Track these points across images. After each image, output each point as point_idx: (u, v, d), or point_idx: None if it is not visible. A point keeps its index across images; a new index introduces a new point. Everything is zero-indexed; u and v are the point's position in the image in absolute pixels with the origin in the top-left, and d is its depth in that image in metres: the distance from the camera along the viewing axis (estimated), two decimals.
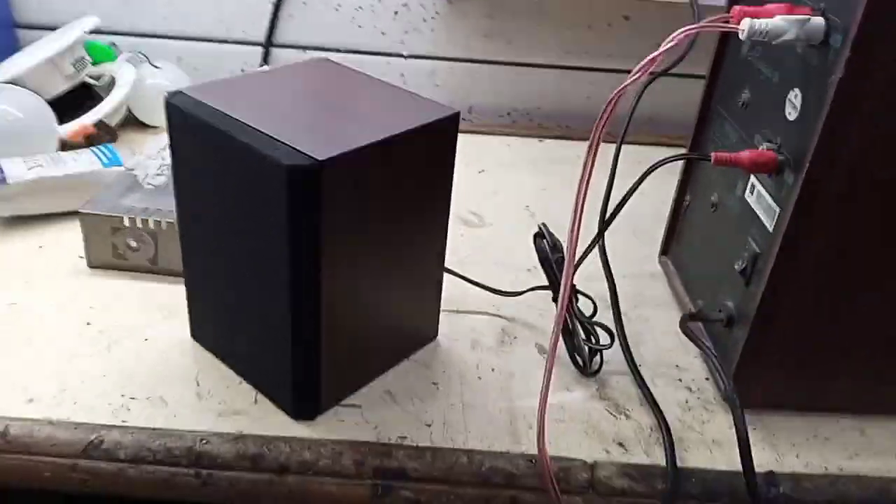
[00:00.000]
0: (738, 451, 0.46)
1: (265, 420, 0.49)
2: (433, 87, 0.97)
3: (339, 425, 0.49)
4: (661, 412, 0.51)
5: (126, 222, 0.60)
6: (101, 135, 0.82)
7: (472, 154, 0.88)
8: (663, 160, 0.49)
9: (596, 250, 0.60)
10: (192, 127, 0.45)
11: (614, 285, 0.58)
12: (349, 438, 0.48)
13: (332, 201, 0.42)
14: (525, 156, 0.90)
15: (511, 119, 1.00)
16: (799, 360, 0.50)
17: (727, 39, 0.57)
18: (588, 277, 0.59)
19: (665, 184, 0.64)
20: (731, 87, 0.56)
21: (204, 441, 0.47)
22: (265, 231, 0.43)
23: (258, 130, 0.43)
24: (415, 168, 0.48)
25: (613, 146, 0.59)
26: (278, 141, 0.41)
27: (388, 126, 0.45)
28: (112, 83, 0.85)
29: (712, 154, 0.48)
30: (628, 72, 0.49)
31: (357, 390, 0.52)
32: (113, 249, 0.62)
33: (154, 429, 0.48)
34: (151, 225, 0.60)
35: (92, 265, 0.63)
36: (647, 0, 0.85)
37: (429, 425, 0.49)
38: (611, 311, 0.57)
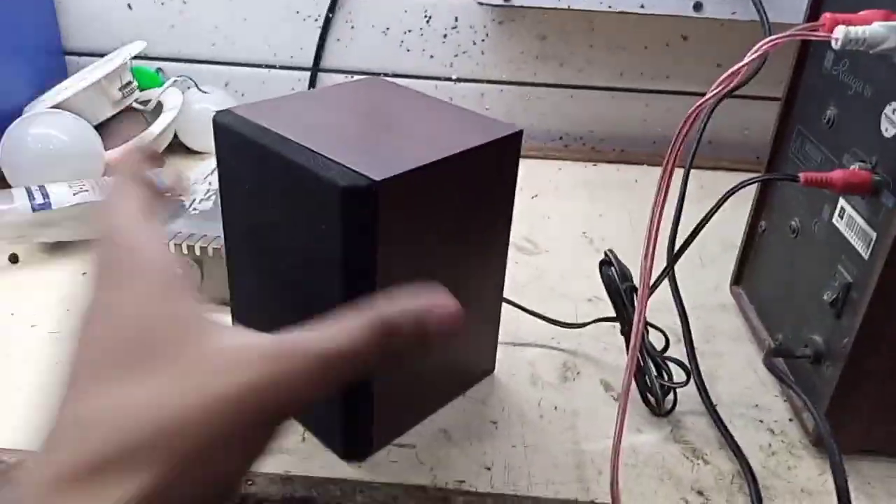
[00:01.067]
0: (835, 501, 0.41)
1: (313, 460, 0.46)
2: (483, 111, 0.94)
3: (391, 466, 0.46)
4: (744, 457, 0.46)
5: (171, 249, 0.58)
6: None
7: (523, 179, 0.83)
8: (746, 181, 0.45)
9: (665, 281, 0.56)
10: (240, 145, 0.43)
11: (686, 318, 0.54)
12: (403, 481, 0.44)
13: (387, 223, 0.39)
14: (579, 180, 0.86)
15: (563, 143, 0.96)
16: None
17: (807, 53, 0.53)
18: (655, 309, 0.54)
19: (733, 209, 0.59)
20: (812, 103, 0.52)
21: (249, 482, 0.44)
22: (317, 252, 0.40)
23: (310, 149, 0.40)
24: (474, 189, 0.45)
25: (674, 170, 0.55)
26: (331, 160, 0.39)
27: (446, 145, 0.42)
28: (159, 108, 0.84)
29: (801, 174, 0.44)
30: (686, 93, 0.46)
31: (410, 428, 0.48)
32: None
33: None
34: (197, 251, 0.58)
35: None
36: (707, 19, 0.81)
37: (488, 468, 0.46)
38: (682, 346, 0.53)
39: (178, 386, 0.24)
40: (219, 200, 0.46)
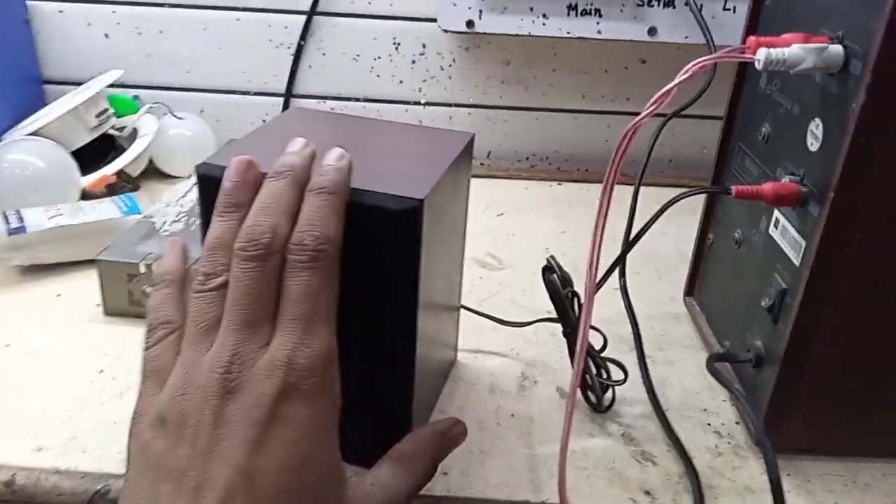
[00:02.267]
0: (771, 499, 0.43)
1: None
2: None
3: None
4: (689, 458, 0.48)
5: (142, 269, 0.60)
6: (123, 184, 0.83)
7: (490, 198, 0.88)
8: (682, 194, 0.47)
9: (619, 293, 0.58)
10: None
11: (637, 327, 0.56)
12: None
13: (426, 237, 0.41)
14: (544, 199, 0.89)
15: (530, 164, 0.99)
16: (834, 401, 0.48)
17: (745, 74, 0.57)
18: (610, 320, 0.57)
19: (688, 223, 0.62)
20: (750, 121, 0.55)
21: None
22: (365, 281, 0.42)
23: None
24: (453, 193, 0.48)
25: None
26: (361, 190, 0.40)
27: (436, 160, 0.45)
28: (134, 134, 0.86)
29: (733, 188, 0.47)
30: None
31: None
32: (129, 296, 0.62)
33: None
34: None
35: (108, 312, 0.62)
36: (663, 43, 0.84)
37: (445, 473, 0.48)
38: (635, 354, 0.56)
39: None
40: (190, 222, 0.47)
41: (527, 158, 0.99)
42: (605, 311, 0.55)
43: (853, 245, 0.43)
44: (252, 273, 0.34)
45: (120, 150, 0.85)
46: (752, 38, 0.44)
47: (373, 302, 0.43)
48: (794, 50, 0.43)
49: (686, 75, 0.43)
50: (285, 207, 0.35)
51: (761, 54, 0.43)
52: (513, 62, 0.93)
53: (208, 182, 0.43)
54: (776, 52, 0.43)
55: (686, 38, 0.83)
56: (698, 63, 0.43)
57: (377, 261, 0.41)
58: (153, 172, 0.89)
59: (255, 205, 0.36)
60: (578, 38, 0.84)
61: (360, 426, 0.47)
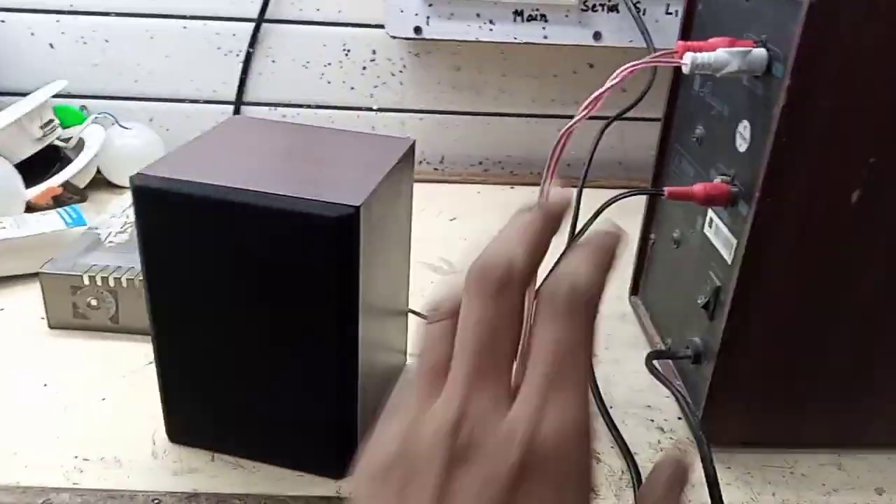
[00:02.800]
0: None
1: (220, 478, 0.47)
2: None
3: (297, 480, 0.47)
4: (630, 454, 0.49)
5: (86, 281, 0.60)
6: (70, 196, 0.82)
7: (443, 203, 0.88)
8: (617, 196, 0.48)
9: None
10: (178, 206, 0.42)
11: None
12: (308, 493, 0.46)
13: (364, 244, 0.42)
14: (496, 203, 0.90)
15: (483, 168, 1.00)
16: (769, 395, 0.49)
17: (680, 77, 0.58)
18: None
19: (634, 224, 0.63)
20: (685, 123, 0.56)
21: (156, 501, 0.45)
22: (301, 290, 0.42)
23: (268, 192, 0.40)
24: (394, 199, 0.48)
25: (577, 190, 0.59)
26: (299, 198, 0.40)
27: (375, 165, 0.45)
28: (81, 145, 0.85)
29: (666, 189, 0.48)
30: (596, 118, 0.49)
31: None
32: (73, 309, 0.61)
33: (105, 490, 0.46)
34: (111, 283, 0.59)
35: (53, 326, 0.62)
36: (609, 47, 0.86)
37: None
38: None
39: None
40: (135, 233, 0.46)
41: (480, 163, 1.00)
42: None
43: (780, 242, 0.44)
44: (479, 310, 0.27)
45: (66, 162, 0.84)
46: (679, 43, 0.45)
47: (311, 311, 0.43)
48: (719, 54, 0.44)
49: (616, 80, 0.44)
50: (530, 238, 0.29)
51: (688, 58, 0.44)
52: (463, 67, 0.94)
53: (143, 193, 0.43)
54: (702, 56, 0.44)
55: (630, 41, 0.84)
56: (627, 68, 0.44)
57: (314, 269, 0.41)
58: (101, 183, 0.88)
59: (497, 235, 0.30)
60: (525, 43, 0.85)
61: (304, 436, 0.47)
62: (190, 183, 0.41)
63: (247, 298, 0.43)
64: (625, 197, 0.48)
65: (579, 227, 0.51)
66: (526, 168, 1.00)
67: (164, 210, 0.42)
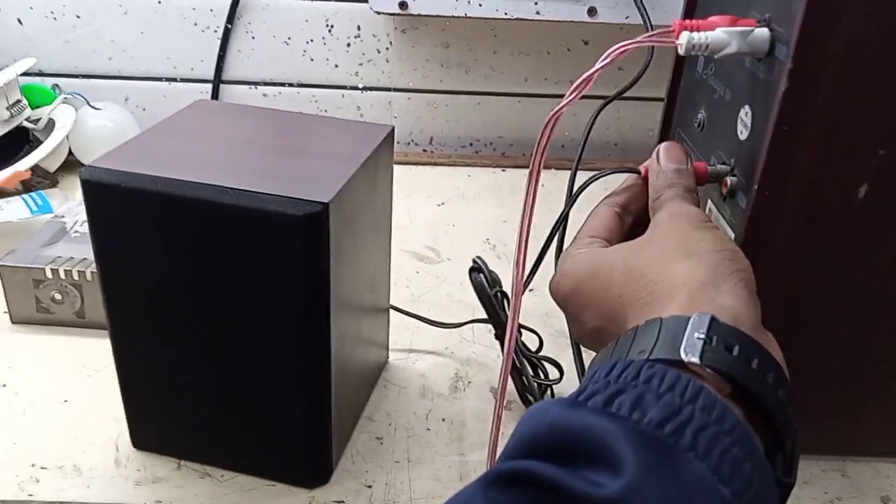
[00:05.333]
0: None
1: (186, 488, 0.44)
2: (391, 119, 0.94)
3: (268, 490, 0.45)
4: None
5: (48, 274, 0.56)
6: (39, 180, 0.78)
7: (431, 187, 0.85)
8: (593, 177, 0.45)
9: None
10: (133, 202, 0.38)
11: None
12: None
13: (335, 240, 0.39)
14: (486, 186, 0.87)
15: (474, 149, 0.96)
16: None
17: (683, 59, 0.54)
18: (549, 314, 0.55)
19: None
20: (688, 107, 0.53)
21: None
22: (265, 290, 0.39)
23: (230, 188, 0.37)
24: (370, 191, 0.45)
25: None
26: (263, 193, 0.37)
27: (349, 156, 0.42)
28: (51, 126, 0.81)
29: (641, 168, 0.45)
30: (591, 97, 0.46)
31: (350, 435, 0.49)
32: (37, 303, 0.58)
33: (62, 502, 0.43)
34: (76, 276, 0.56)
35: (15, 321, 0.58)
36: (604, 24, 0.82)
37: (369, 486, 0.45)
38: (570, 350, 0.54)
39: None
40: None
41: (470, 144, 0.96)
42: (542, 305, 0.53)
43: (778, 238, 0.41)
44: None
45: (35, 144, 0.80)
46: (676, 21, 0.42)
47: (278, 313, 0.40)
48: (717, 34, 0.40)
49: (606, 61, 0.40)
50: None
51: (683, 38, 0.40)
52: (452, 44, 0.90)
53: (93, 188, 0.39)
54: (698, 36, 0.40)
55: (626, 18, 0.80)
56: (619, 48, 0.40)
57: (280, 270, 0.38)
58: (74, 165, 0.84)
59: None
60: (517, 19, 0.81)
61: (275, 443, 0.44)
62: (143, 177, 0.38)
63: (207, 298, 0.40)
64: (600, 177, 0.45)
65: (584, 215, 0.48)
66: (518, 150, 0.96)
67: (116, 206, 0.39)
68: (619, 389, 0.28)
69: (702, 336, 0.30)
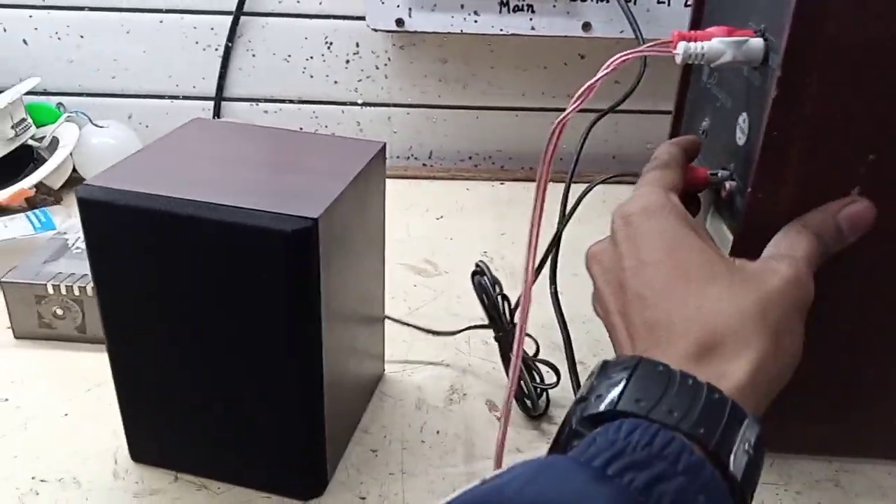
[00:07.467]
0: None
1: (183, 500, 0.45)
2: (391, 134, 0.95)
3: (266, 501, 0.45)
4: None
5: (50, 290, 0.57)
6: (43, 197, 0.79)
7: (430, 201, 0.86)
8: (594, 183, 0.46)
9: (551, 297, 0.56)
10: (130, 219, 0.39)
11: (568, 333, 0.55)
12: None
13: (327, 255, 0.39)
14: (485, 200, 0.87)
15: (473, 163, 0.97)
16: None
17: (690, 69, 0.55)
18: (545, 325, 0.56)
19: None
20: (693, 116, 0.54)
21: None
22: (257, 305, 0.39)
23: (223, 205, 0.38)
24: (361, 206, 0.45)
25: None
26: (254, 210, 0.37)
27: (340, 172, 0.43)
28: (55, 144, 0.82)
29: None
30: (589, 111, 0.47)
31: (345, 448, 0.49)
32: (39, 319, 0.58)
33: None
34: (77, 291, 0.57)
35: (18, 336, 0.59)
36: (599, 38, 0.83)
37: (363, 498, 0.45)
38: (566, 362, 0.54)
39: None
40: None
41: (469, 158, 0.97)
42: (537, 316, 0.53)
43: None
44: None
45: (40, 162, 0.81)
46: (675, 32, 0.43)
47: (270, 327, 0.40)
48: (713, 44, 0.41)
49: (608, 70, 0.41)
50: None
51: (680, 48, 0.41)
52: (450, 60, 0.91)
53: (89, 206, 0.40)
54: (695, 46, 0.41)
55: (621, 32, 0.81)
56: (619, 58, 0.41)
57: (271, 285, 0.39)
58: (77, 183, 0.85)
59: None
60: (512, 34, 0.82)
61: (270, 456, 0.44)
62: (136, 194, 0.39)
63: (202, 313, 0.41)
64: (596, 185, 0.46)
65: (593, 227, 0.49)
66: (517, 163, 0.97)
67: (110, 223, 0.40)
68: (660, 474, 0.26)
69: (749, 450, 0.29)
